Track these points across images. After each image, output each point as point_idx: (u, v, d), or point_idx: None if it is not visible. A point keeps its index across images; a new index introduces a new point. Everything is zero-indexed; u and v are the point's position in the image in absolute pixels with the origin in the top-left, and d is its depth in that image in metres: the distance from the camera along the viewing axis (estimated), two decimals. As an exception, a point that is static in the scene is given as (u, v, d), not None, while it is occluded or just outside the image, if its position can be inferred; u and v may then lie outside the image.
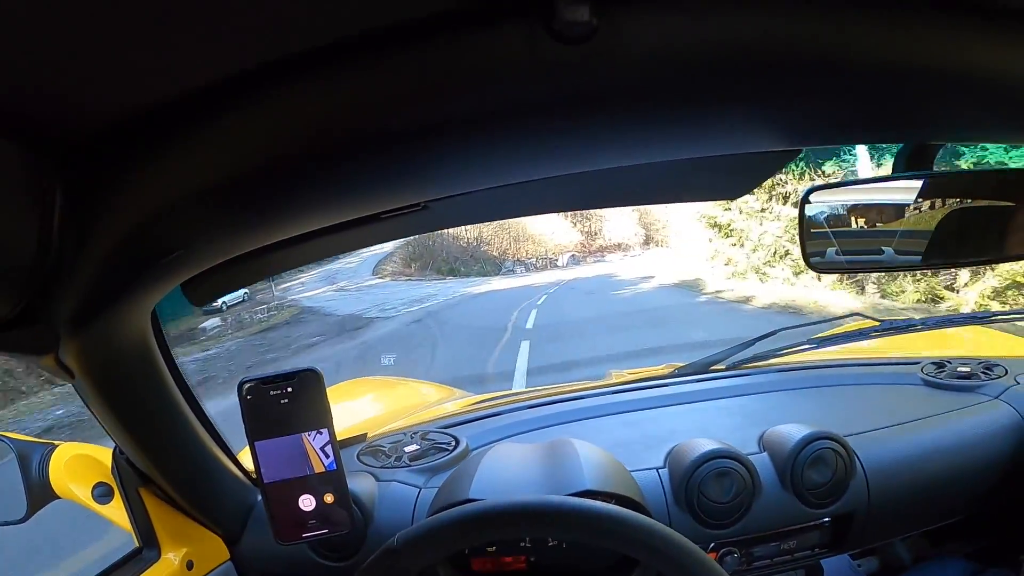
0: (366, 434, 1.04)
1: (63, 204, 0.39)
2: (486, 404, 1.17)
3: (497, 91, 0.36)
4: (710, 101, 0.41)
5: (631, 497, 0.74)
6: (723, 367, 1.15)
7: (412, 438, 1.01)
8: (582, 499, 0.60)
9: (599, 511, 0.57)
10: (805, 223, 0.59)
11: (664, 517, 0.81)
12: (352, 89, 0.36)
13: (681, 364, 1.20)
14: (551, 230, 31.94)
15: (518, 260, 29.60)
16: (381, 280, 25.39)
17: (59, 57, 0.30)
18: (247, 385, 0.60)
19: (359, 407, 1.32)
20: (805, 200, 0.59)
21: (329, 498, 0.63)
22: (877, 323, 1.11)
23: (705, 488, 0.80)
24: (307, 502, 0.63)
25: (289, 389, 0.61)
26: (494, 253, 30.41)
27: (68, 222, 0.41)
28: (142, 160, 0.40)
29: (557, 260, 29.45)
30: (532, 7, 0.32)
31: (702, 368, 1.15)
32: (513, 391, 1.23)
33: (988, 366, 1.02)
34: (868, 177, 0.72)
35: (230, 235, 0.51)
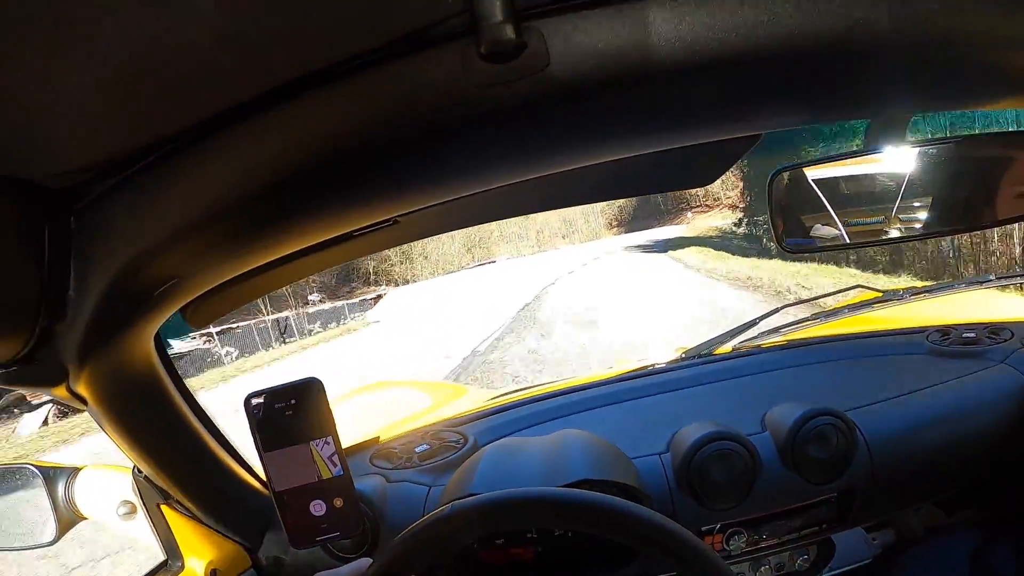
0: (379, 437, 1.07)
1: (57, 247, 0.43)
2: (496, 401, 1.19)
3: (443, 110, 0.39)
4: (658, 99, 0.42)
5: (629, 484, 0.75)
6: (728, 349, 1.15)
7: (423, 438, 1.04)
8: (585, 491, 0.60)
9: (590, 501, 0.58)
10: (775, 204, 0.59)
11: (667, 502, 0.82)
12: (316, 120, 0.39)
13: (686, 348, 1.20)
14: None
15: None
16: None
17: (32, 116, 0.33)
18: (253, 401, 0.62)
19: (373, 411, 1.35)
20: (774, 181, 0.59)
21: (338, 502, 0.65)
22: (880, 294, 1.09)
23: (706, 470, 0.81)
24: (317, 507, 0.65)
25: (293, 401, 0.63)
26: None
27: (63, 264, 0.44)
28: (130, 201, 0.43)
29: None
30: (461, 32, 0.34)
31: (706, 351, 1.16)
32: (522, 387, 1.25)
33: (994, 331, 1.00)
34: (838, 153, 0.72)
35: (218, 263, 0.54)
